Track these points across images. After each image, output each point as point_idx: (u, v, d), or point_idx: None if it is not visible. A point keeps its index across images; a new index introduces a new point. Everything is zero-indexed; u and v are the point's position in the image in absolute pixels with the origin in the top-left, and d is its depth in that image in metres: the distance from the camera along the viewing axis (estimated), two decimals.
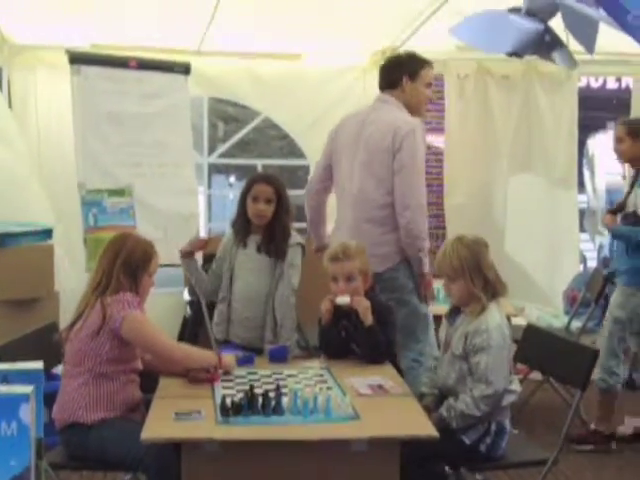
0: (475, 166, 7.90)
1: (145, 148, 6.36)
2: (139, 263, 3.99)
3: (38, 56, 6.94)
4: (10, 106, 6.86)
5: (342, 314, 4.34)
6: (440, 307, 4.89)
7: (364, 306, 4.25)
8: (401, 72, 5.21)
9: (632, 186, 5.71)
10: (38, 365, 1.74)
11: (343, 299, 4.28)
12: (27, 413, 1.57)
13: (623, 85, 13.14)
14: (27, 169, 6.62)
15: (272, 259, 4.72)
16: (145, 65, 6.45)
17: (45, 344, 4.19)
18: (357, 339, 4.31)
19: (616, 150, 5.84)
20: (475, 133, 7.90)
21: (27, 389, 1.58)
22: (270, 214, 4.71)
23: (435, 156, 8.53)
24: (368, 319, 4.23)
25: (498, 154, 7.87)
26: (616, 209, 5.79)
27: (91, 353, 3.86)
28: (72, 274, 6.51)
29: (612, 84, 13.59)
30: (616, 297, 5.75)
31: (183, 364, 3.91)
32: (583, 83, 12.24)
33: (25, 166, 6.63)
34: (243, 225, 4.79)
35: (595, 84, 13.46)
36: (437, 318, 4.60)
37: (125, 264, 3.96)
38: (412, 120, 5.15)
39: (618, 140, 5.77)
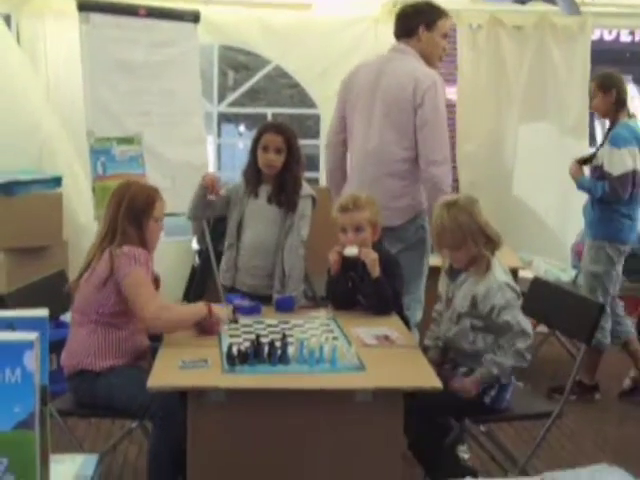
0: (486, 116, 7.87)
1: (154, 96, 6.34)
2: (143, 208, 3.98)
3: (46, 3, 6.91)
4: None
5: (350, 265, 4.33)
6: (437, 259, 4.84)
7: (372, 258, 4.24)
8: (418, 21, 5.07)
9: (604, 139, 5.71)
10: (43, 312, 1.75)
11: (351, 250, 4.27)
12: (31, 360, 1.58)
13: (637, 38, 13.04)
14: (37, 116, 6.61)
15: (282, 210, 4.70)
16: (154, 13, 6.41)
17: (53, 292, 4.20)
18: (364, 290, 4.32)
19: (591, 106, 5.87)
20: (487, 84, 7.86)
21: (31, 336, 1.59)
22: (280, 164, 4.67)
23: (447, 108, 8.48)
24: (375, 271, 4.23)
25: (509, 103, 7.83)
26: (586, 159, 5.79)
27: (98, 303, 3.88)
28: (81, 222, 6.53)
29: (625, 37, 13.47)
30: (587, 251, 5.76)
31: (167, 330, 3.86)
32: (596, 36, 12.12)
33: (35, 112, 6.62)
34: (254, 175, 4.74)
35: (608, 37, 13.33)
36: (435, 270, 4.56)
37: (128, 211, 3.96)
38: (432, 73, 5.02)
39: (592, 95, 5.77)
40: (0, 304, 3.97)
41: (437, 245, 4.18)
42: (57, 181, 6.27)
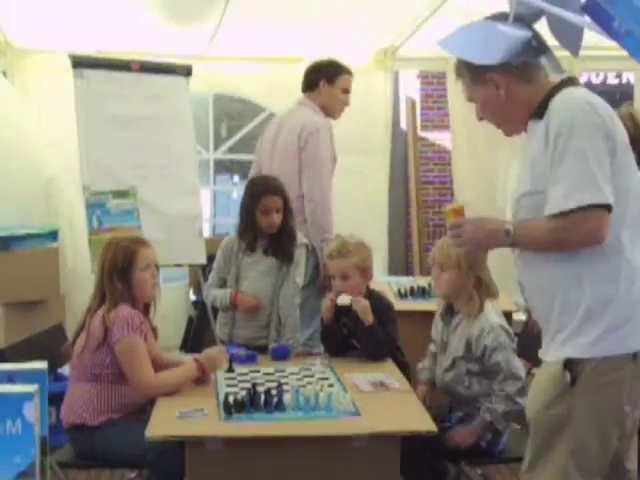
0: (482, 159, 7.88)
1: (148, 150, 6.38)
2: (124, 263, 4.01)
3: (41, 60, 7.01)
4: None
5: (343, 312, 4.38)
6: (428, 304, 4.89)
7: (362, 306, 4.28)
8: (319, 76, 5.65)
9: None
10: (42, 365, 1.80)
11: (343, 299, 4.32)
12: (31, 411, 1.62)
13: (624, 80, 13.13)
14: (30, 173, 6.68)
15: (278, 260, 4.75)
16: (147, 68, 6.48)
17: (51, 345, 4.25)
18: (358, 336, 4.36)
19: None
20: (479, 127, 7.88)
21: (31, 388, 1.63)
22: (279, 222, 4.73)
23: (438, 154, 8.58)
24: (368, 319, 4.26)
25: (502, 144, 7.85)
26: None
27: (95, 364, 3.92)
28: (77, 276, 6.57)
29: (612, 80, 13.55)
30: None
31: (160, 395, 3.82)
32: (584, 79, 12.24)
33: (28, 170, 6.69)
34: (253, 236, 4.77)
35: (596, 80, 13.43)
36: (429, 314, 4.59)
37: (111, 271, 4.00)
38: (319, 120, 5.54)
39: None
40: (0, 358, 4.01)
41: (431, 261, 4.21)
42: (54, 235, 6.31)
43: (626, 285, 2.74)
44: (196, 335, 6.91)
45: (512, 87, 2.95)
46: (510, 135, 3.06)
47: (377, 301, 4.38)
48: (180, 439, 3.35)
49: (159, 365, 4.03)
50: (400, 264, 10.14)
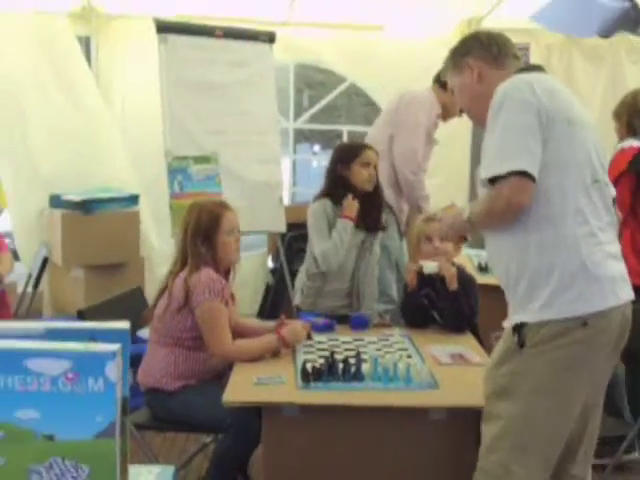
0: None
1: (230, 116, 6.40)
2: (209, 226, 4.01)
3: (125, 26, 7.05)
4: (97, 75, 6.99)
5: (426, 282, 4.34)
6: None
7: (452, 272, 4.27)
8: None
9: None
10: (125, 325, 1.79)
11: (431, 267, 4.28)
12: (113, 370, 1.61)
13: None
14: (112, 137, 6.76)
15: (365, 232, 4.74)
16: (231, 34, 6.48)
17: (131, 307, 4.28)
18: (440, 307, 4.32)
19: None
20: None
21: (114, 347, 1.63)
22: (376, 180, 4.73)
23: None
24: (454, 284, 4.25)
25: None
26: None
27: (176, 327, 3.93)
28: (157, 240, 6.63)
29: None
30: None
31: (237, 361, 3.83)
32: None
33: (110, 134, 6.77)
34: (341, 192, 4.70)
35: None
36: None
37: (195, 233, 4.00)
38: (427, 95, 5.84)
39: None
40: (80, 318, 4.04)
41: None
42: (134, 199, 6.38)
43: (568, 252, 2.83)
44: (273, 303, 6.93)
45: (485, 72, 3.10)
46: (480, 125, 3.07)
47: (461, 273, 4.35)
48: (257, 405, 3.35)
49: (238, 332, 4.04)
50: (478, 236, 10.03)
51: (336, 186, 4.74)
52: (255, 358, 3.81)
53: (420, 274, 4.33)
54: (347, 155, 4.74)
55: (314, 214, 4.75)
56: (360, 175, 4.68)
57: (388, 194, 5.43)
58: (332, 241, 4.65)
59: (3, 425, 1.66)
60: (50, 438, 1.66)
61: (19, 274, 6.59)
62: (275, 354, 3.86)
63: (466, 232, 3.37)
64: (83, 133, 6.70)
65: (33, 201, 6.63)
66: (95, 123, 6.77)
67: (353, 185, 4.69)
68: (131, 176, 6.78)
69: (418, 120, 5.59)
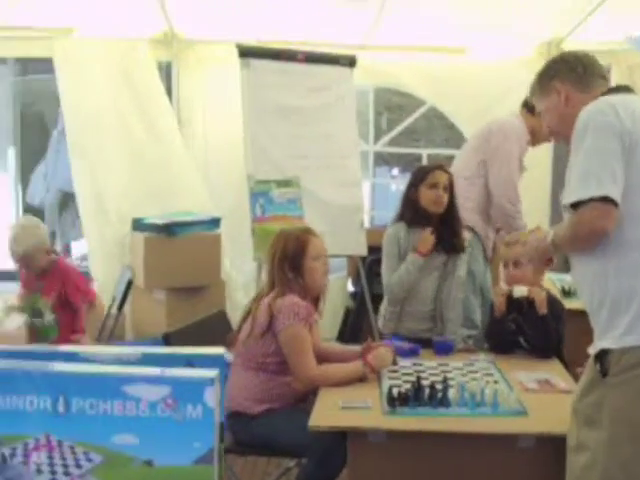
0: None
1: (312, 140, 6.41)
2: (296, 252, 4.02)
3: (206, 51, 7.11)
4: (178, 100, 7.07)
5: (513, 306, 4.30)
6: None
7: (542, 296, 4.22)
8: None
9: None
10: (221, 350, 1.80)
11: (520, 290, 4.25)
12: (212, 396, 1.62)
13: None
14: (191, 163, 6.83)
15: (445, 255, 4.71)
16: (312, 58, 6.51)
17: (215, 330, 4.30)
18: (527, 332, 4.26)
19: None
20: None
21: (212, 373, 1.63)
22: (446, 203, 4.68)
23: None
24: (543, 308, 4.20)
25: None
26: None
27: (259, 351, 3.94)
28: (238, 263, 6.66)
29: None
30: None
31: (322, 386, 3.81)
32: None
33: (189, 161, 6.84)
34: (415, 216, 4.72)
35: None
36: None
37: (282, 260, 4.02)
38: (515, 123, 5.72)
39: None
40: (165, 342, 4.07)
41: None
42: (216, 222, 6.42)
43: None
44: (354, 326, 6.90)
45: (572, 95, 3.08)
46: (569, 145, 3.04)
47: (550, 299, 4.30)
48: (343, 430, 3.33)
49: (322, 356, 4.03)
50: (562, 260, 9.91)
51: (408, 209, 4.74)
52: (340, 384, 3.79)
53: (508, 298, 4.29)
54: (416, 177, 4.74)
55: (387, 239, 4.78)
56: (426, 197, 4.66)
57: (475, 220, 5.40)
58: (398, 273, 4.67)
59: (102, 449, 1.67)
60: (149, 463, 1.66)
61: None
62: (361, 380, 3.83)
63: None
64: (162, 160, 6.78)
65: (113, 226, 6.72)
66: (173, 150, 6.85)
67: (423, 208, 4.67)
68: (211, 201, 6.82)
69: (511, 150, 5.52)
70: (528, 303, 4.25)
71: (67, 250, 9.58)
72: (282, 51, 6.49)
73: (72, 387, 1.66)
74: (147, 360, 1.77)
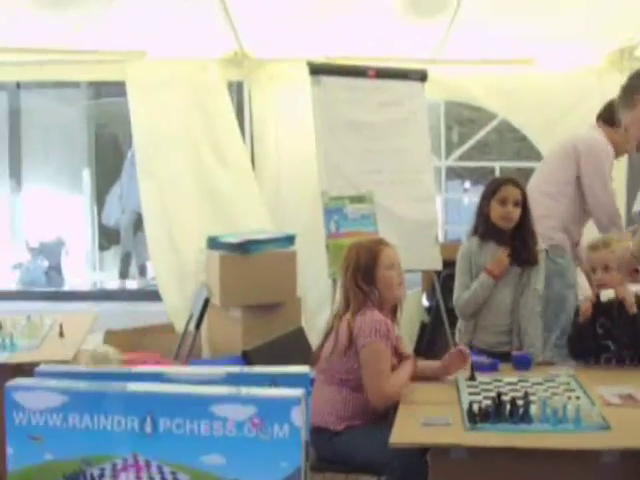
0: None
1: (385, 155, 6.43)
2: (369, 263, 3.99)
3: (277, 69, 7.16)
4: (250, 119, 7.12)
5: (600, 311, 4.25)
6: None
7: (631, 295, 4.17)
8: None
9: None
10: (305, 369, 1.80)
11: (607, 294, 4.19)
12: (298, 416, 1.62)
13: None
14: (259, 183, 6.89)
15: (519, 267, 4.67)
16: (383, 73, 6.53)
17: (293, 348, 4.31)
18: (616, 335, 4.20)
19: None
20: None
21: (298, 392, 1.63)
22: (517, 217, 4.64)
23: None
24: (633, 308, 4.15)
25: None
26: None
27: (342, 368, 3.94)
28: (314, 280, 6.68)
29: None
30: None
31: (394, 399, 3.84)
32: None
33: (259, 180, 6.90)
34: (487, 230, 4.71)
35: None
36: None
37: (355, 273, 4.00)
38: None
39: None
40: (244, 359, 4.09)
41: None
42: (291, 239, 6.45)
43: None
44: (429, 341, 6.88)
45: None
46: None
47: (638, 300, 4.23)
48: (425, 446, 3.32)
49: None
50: None
51: (481, 223, 4.71)
52: (404, 387, 3.86)
53: (595, 304, 4.24)
54: (487, 191, 4.73)
55: (460, 254, 4.79)
56: (496, 212, 4.64)
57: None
58: (468, 292, 4.67)
59: (189, 469, 1.68)
60: None
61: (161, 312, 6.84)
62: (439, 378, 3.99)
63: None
64: (231, 180, 6.85)
65: (183, 246, 6.81)
66: (242, 170, 6.92)
67: (493, 222, 4.64)
68: (285, 217, 6.87)
69: (605, 170, 5.49)
70: (617, 306, 4.19)
71: (142, 270, 9.69)
72: (353, 67, 6.53)
73: (159, 407, 1.67)
74: (231, 379, 1.78)
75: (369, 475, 4.38)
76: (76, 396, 1.71)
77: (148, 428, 1.68)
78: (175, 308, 6.84)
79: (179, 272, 6.91)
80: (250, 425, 1.63)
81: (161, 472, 1.70)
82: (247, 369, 1.84)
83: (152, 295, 7.24)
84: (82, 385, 1.74)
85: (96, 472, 1.74)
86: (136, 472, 1.72)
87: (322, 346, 4.04)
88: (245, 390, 1.67)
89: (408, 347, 6.86)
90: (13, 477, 1.76)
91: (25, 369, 4.32)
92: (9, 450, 1.76)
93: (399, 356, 4.02)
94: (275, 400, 1.63)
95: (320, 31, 6.56)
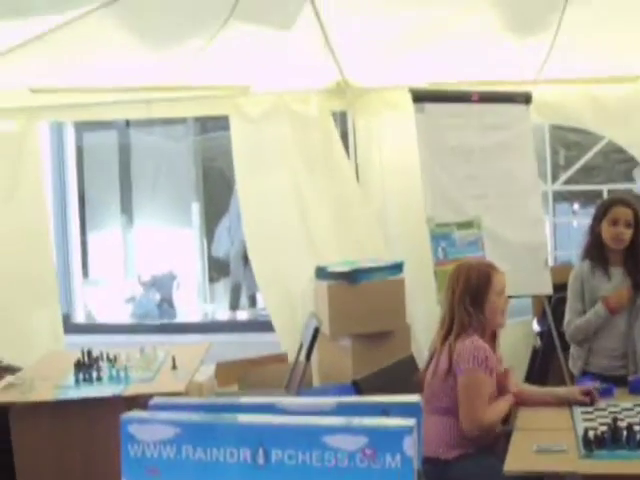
0: None
1: (491, 179, 6.38)
2: (480, 286, 3.96)
3: (379, 97, 7.16)
4: (356, 146, 7.15)
5: None
6: None
7: None
8: None
9: None
10: (416, 398, 1.79)
11: None
12: (411, 446, 1.61)
13: None
14: (367, 213, 6.90)
15: (634, 290, 4.57)
16: (486, 98, 6.49)
17: (404, 376, 4.29)
18: None
19: None
20: None
21: (410, 422, 1.62)
22: (629, 238, 4.55)
23: None
24: None
25: None
26: None
27: (444, 393, 3.92)
28: (422, 307, 6.65)
29: None
30: None
31: (487, 429, 3.86)
32: None
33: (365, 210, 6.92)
34: (598, 253, 4.62)
35: None
36: None
37: (464, 294, 3.96)
38: None
39: None
40: (355, 389, 4.09)
41: None
42: (399, 267, 6.44)
43: None
44: (542, 366, 6.77)
45: None
46: None
47: None
48: (539, 474, 3.27)
49: (521, 399, 4.03)
50: None
51: (592, 245, 4.64)
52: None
53: None
54: (598, 212, 4.66)
55: (571, 278, 4.71)
56: (607, 233, 4.56)
57: None
58: (581, 320, 4.59)
59: None
60: None
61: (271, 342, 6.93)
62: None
63: None
64: (338, 209, 6.88)
65: (290, 275, 6.86)
66: (349, 198, 6.94)
67: (604, 244, 4.56)
68: (391, 245, 6.86)
69: None
70: None
71: (252, 301, 9.77)
72: (456, 93, 6.51)
73: (271, 438, 1.68)
74: (342, 410, 1.78)
75: None
76: (188, 428, 1.73)
77: (260, 459, 1.69)
78: (286, 338, 6.89)
79: (287, 301, 6.96)
80: (362, 455, 1.63)
81: None
82: (358, 399, 1.84)
83: (262, 326, 7.30)
84: (194, 417, 1.76)
85: None
86: None
87: (427, 369, 4.02)
88: (356, 420, 1.66)
89: (518, 375, 6.83)
90: None
91: (139, 402, 4.41)
92: None
93: (498, 384, 3.97)
94: (387, 430, 1.63)
95: (421, 57, 6.55)
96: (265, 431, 1.69)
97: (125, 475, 1.78)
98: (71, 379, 4.95)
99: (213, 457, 1.72)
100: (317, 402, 1.83)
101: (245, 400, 1.91)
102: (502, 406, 3.92)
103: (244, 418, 1.74)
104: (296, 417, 1.75)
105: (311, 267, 6.64)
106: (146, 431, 1.75)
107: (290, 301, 6.96)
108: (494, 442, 3.93)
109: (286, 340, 6.90)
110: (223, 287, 10.57)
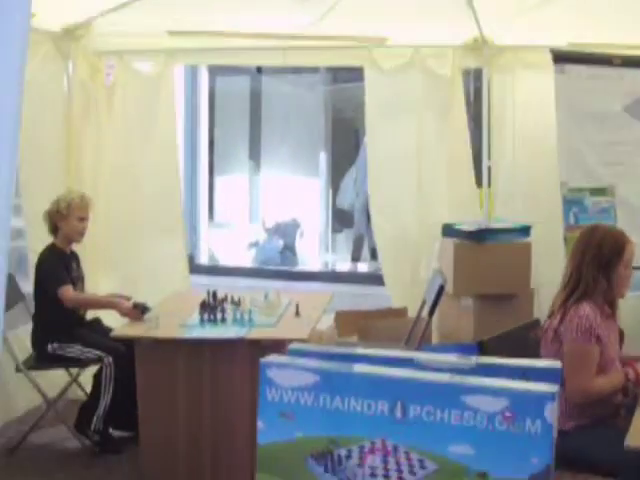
0: None
1: (627, 147, 6.23)
2: (611, 254, 3.87)
3: (517, 56, 7.02)
4: (490, 106, 7.04)
5: None
6: None
7: None
8: None
9: None
10: (557, 364, 1.77)
11: None
12: (552, 412, 1.59)
13: None
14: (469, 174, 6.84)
15: None
16: (629, 62, 6.30)
17: (528, 341, 4.24)
18: None
19: None
20: None
21: (553, 388, 1.60)
22: None
23: None
24: None
25: None
26: None
27: (550, 355, 3.84)
28: (549, 272, 6.55)
29: None
30: None
31: (593, 398, 3.81)
32: None
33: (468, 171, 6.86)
34: None
35: None
36: None
37: (595, 259, 3.87)
38: None
39: None
40: (479, 349, 4.06)
41: None
42: (527, 230, 6.35)
43: None
44: None
45: None
46: None
47: None
48: None
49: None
50: None
51: None
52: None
53: None
54: None
55: None
56: None
57: None
58: None
59: (437, 457, 1.69)
60: (483, 476, 1.66)
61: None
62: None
63: None
64: (460, 166, 6.83)
65: (409, 231, 6.85)
66: (462, 160, 6.89)
67: None
68: (522, 208, 6.77)
69: None
70: None
71: (374, 254, 9.79)
72: (598, 55, 6.33)
73: (410, 393, 1.68)
74: (482, 370, 1.77)
75: (600, 476, 4.28)
76: (328, 376, 1.75)
77: (398, 413, 1.70)
78: (397, 292, 6.90)
79: (402, 257, 6.94)
80: (501, 418, 1.62)
81: (408, 458, 1.71)
82: (498, 360, 1.83)
83: (382, 279, 7.29)
84: (334, 366, 1.77)
85: (343, 453, 1.77)
86: (383, 456, 1.73)
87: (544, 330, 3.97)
88: (497, 382, 1.65)
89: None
90: (263, 451, 1.81)
91: (262, 345, 4.48)
92: (259, 424, 1.81)
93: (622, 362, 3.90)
94: (529, 394, 1.61)
95: (561, 16, 6.38)
96: (404, 386, 1.70)
97: (260, 417, 1.81)
98: (196, 319, 5.05)
99: (350, 407, 1.73)
100: (456, 360, 1.82)
101: (383, 352, 1.91)
102: (614, 377, 3.85)
103: (384, 371, 1.75)
104: (435, 373, 1.74)
105: (426, 224, 6.64)
106: (285, 376, 1.77)
107: (405, 257, 6.93)
108: (613, 414, 3.86)
109: (397, 295, 6.90)
110: (345, 238, 10.62)
